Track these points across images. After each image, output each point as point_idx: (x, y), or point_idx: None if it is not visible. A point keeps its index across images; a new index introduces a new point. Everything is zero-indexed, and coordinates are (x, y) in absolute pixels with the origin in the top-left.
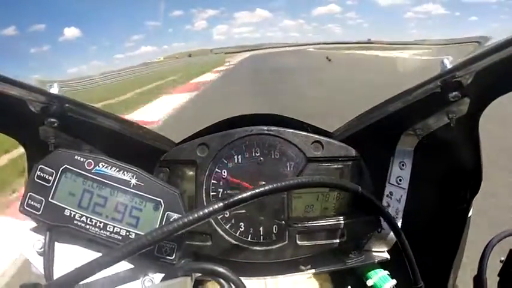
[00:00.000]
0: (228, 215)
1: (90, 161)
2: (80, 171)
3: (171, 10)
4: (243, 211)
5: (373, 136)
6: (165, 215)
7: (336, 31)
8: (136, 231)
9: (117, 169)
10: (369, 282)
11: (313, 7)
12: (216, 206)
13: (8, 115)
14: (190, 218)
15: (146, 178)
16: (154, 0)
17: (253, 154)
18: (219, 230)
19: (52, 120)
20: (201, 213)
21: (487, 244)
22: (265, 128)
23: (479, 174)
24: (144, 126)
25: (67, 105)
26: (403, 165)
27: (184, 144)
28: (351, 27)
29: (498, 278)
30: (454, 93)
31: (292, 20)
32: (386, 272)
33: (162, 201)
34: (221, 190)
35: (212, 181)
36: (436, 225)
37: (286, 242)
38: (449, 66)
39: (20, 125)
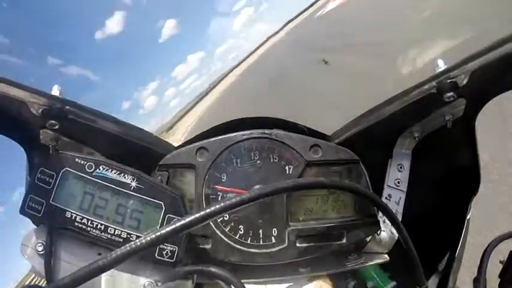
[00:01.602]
0: (227, 217)
1: (91, 163)
2: (81, 173)
3: (118, 104)
4: (243, 214)
5: (371, 139)
6: (166, 218)
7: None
8: (137, 234)
9: (118, 172)
10: (369, 284)
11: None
12: (213, 208)
13: (9, 117)
14: (188, 220)
15: (147, 181)
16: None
17: (252, 158)
18: (219, 233)
19: (53, 122)
20: (200, 214)
21: (488, 245)
22: (264, 131)
23: (477, 175)
24: (144, 129)
25: (68, 107)
26: (401, 167)
27: (184, 148)
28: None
29: (498, 280)
30: (449, 93)
31: (220, 46)
32: (387, 274)
33: (162, 203)
34: (220, 194)
35: (211, 185)
36: (435, 227)
37: (286, 244)
38: (444, 66)
39: (21, 127)
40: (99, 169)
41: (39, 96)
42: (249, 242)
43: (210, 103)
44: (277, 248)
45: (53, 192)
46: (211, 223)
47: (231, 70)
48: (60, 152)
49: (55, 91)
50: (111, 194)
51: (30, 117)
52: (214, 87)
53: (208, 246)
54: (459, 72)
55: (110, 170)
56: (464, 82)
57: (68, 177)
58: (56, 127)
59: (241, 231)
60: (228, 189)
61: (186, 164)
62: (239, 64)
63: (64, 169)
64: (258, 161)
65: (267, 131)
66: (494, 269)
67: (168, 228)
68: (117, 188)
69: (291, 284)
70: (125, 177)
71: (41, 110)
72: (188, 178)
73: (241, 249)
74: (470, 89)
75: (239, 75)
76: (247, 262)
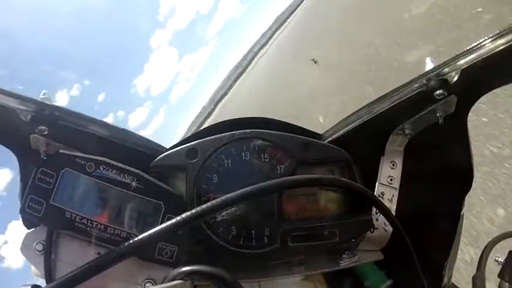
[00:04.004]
0: (219, 219)
1: (91, 163)
2: (81, 174)
3: None
4: (234, 215)
5: (363, 137)
6: (166, 218)
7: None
8: (136, 234)
9: (118, 172)
10: (366, 283)
11: None
12: (205, 206)
13: None
14: (184, 217)
15: (147, 181)
16: None
17: (243, 158)
18: (211, 235)
19: (42, 128)
20: (194, 212)
21: (487, 245)
22: (254, 131)
23: (470, 171)
24: (135, 132)
25: (57, 113)
26: (393, 164)
27: (174, 150)
28: None
29: (498, 279)
30: (439, 91)
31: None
32: (383, 272)
33: (162, 204)
34: (212, 195)
35: (203, 186)
36: (428, 224)
37: (278, 244)
38: (434, 64)
39: (11, 133)
40: (100, 169)
41: (28, 103)
42: (241, 242)
43: None
44: (270, 248)
45: (53, 193)
46: (203, 225)
47: None
48: (61, 151)
49: (44, 97)
50: (111, 194)
51: (19, 123)
52: None
53: (200, 248)
54: (449, 69)
55: (110, 169)
56: (455, 79)
57: (68, 177)
58: (46, 133)
59: (233, 232)
60: (222, 184)
61: (177, 165)
62: None
63: (64, 169)
64: (249, 161)
65: (257, 131)
66: (493, 268)
67: (160, 228)
68: (117, 188)
69: (285, 283)
70: (125, 177)
71: (29, 116)
72: (179, 179)
73: (234, 250)
74: (461, 86)
75: None
76: (240, 263)
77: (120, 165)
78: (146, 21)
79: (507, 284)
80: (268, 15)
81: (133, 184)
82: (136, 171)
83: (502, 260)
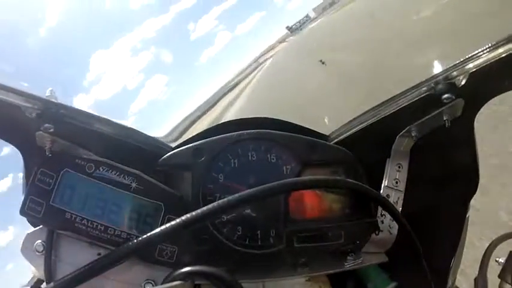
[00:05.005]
0: (225, 218)
1: (91, 164)
2: (81, 174)
3: None
4: (241, 215)
5: (369, 138)
6: (166, 219)
7: None
8: (137, 234)
9: (118, 172)
10: (370, 285)
11: None
12: (207, 208)
13: (4, 121)
14: (184, 220)
15: (147, 181)
16: None
17: (249, 158)
18: (217, 234)
19: (48, 125)
20: (197, 213)
21: (489, 245)
22: (261, 131)
23: (476, 174)
24: (140, 131)
25: (62, 110)
26: (399, 167)
27: (180, 149)
28: None
29: (498, 280)
30: (447, 95)
31: None
32: (387, 275)
33: (162, 204)
34: (218, 195)
35: (208, 185)
36: (433, 227)
37: (284, 245)
38: (442, 67)
39: (16, 130)
40: (100, 170)
41: (33, 100)
42: (247, 242)
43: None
44: (275, 249)
45: (53, 193)
46: (209, 224)
47: None
48: (61, 152)
49: (49, 95)
50: (111, 194)
51: (24, 121)
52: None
53: (206, 248)
54: (458, 73)
55: (110, 170)
56: (463, 83)
57: (67, 178)
58: (51, 130)
59: (239, 232)
60: (231, 184)
61: (183, 164)
62: None
63: (64, 170)
64: (256, 162)
65: (264, 131)
66: (494, 269)
67: (164, 228)
68: (117, 188)
69: (289, 284)
70: (125, 178)
71: (35, 113)
72: (185, 179)
73: (240, 250)
74: (468, 90)
75: None
76: (245, 263)
77: (120, 166)
78: (72, 80)
79: (508, 284)
80: (191, 100)
81: (133, 185)
82: (136, 172)
83: (502, 261)
